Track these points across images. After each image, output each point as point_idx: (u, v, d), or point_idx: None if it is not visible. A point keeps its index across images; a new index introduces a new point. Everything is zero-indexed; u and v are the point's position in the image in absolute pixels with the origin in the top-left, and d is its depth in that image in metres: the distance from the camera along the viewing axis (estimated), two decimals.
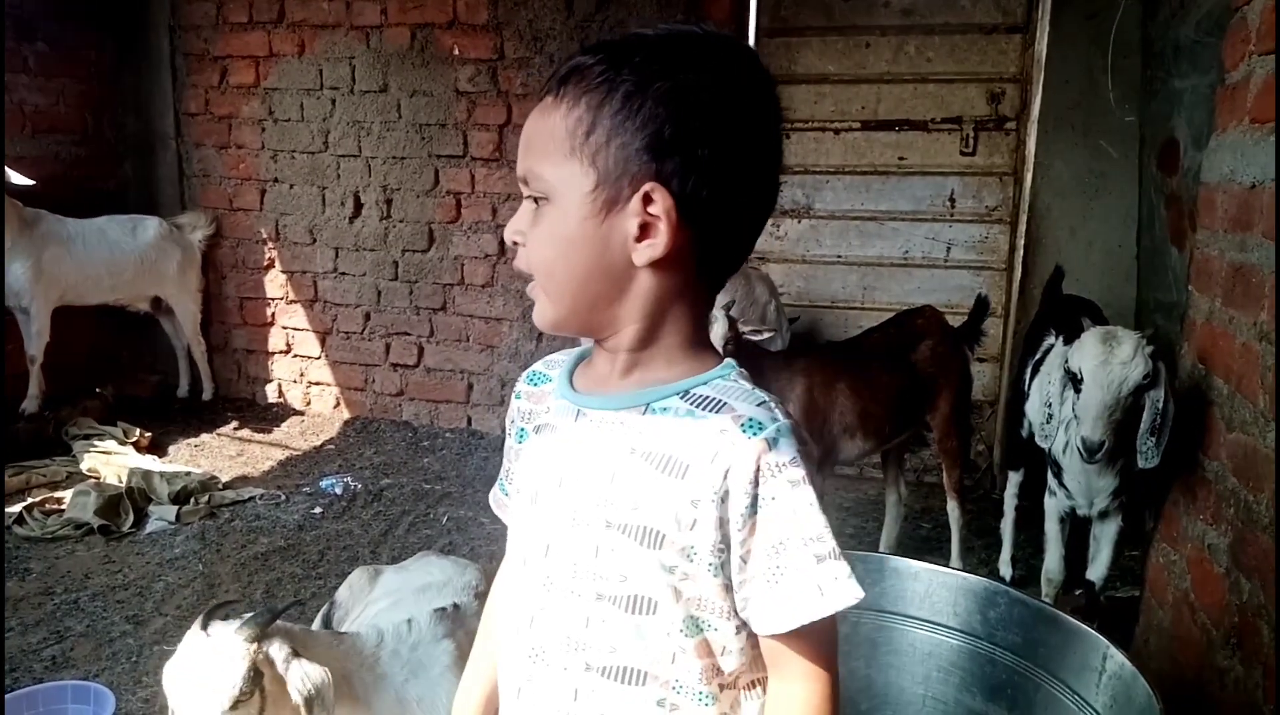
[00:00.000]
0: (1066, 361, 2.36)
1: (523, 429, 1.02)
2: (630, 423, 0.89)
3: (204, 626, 1.49)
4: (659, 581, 0.87)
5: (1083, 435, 2.28)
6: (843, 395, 2.86)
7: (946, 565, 3.11)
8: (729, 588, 0.87)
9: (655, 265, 0.85)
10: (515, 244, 0.89)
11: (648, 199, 0.82)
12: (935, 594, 1.91)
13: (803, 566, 0.84)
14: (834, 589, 0.84)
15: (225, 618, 1.52)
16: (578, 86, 0.84)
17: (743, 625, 0.89)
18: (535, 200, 0.87)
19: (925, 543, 3.57)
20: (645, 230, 0.84)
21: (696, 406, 0.87)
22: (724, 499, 0.84)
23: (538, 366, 1.03)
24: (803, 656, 0.88)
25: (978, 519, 3.58)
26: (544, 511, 0.94)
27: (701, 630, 0.89)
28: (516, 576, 0.99)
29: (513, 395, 1.05)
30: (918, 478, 4.02)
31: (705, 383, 0.89)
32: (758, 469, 0.83)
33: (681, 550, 0.86)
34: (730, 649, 0.90)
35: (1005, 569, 3.20)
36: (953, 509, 3.20)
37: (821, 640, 0.88)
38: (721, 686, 0.91)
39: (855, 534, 3.63)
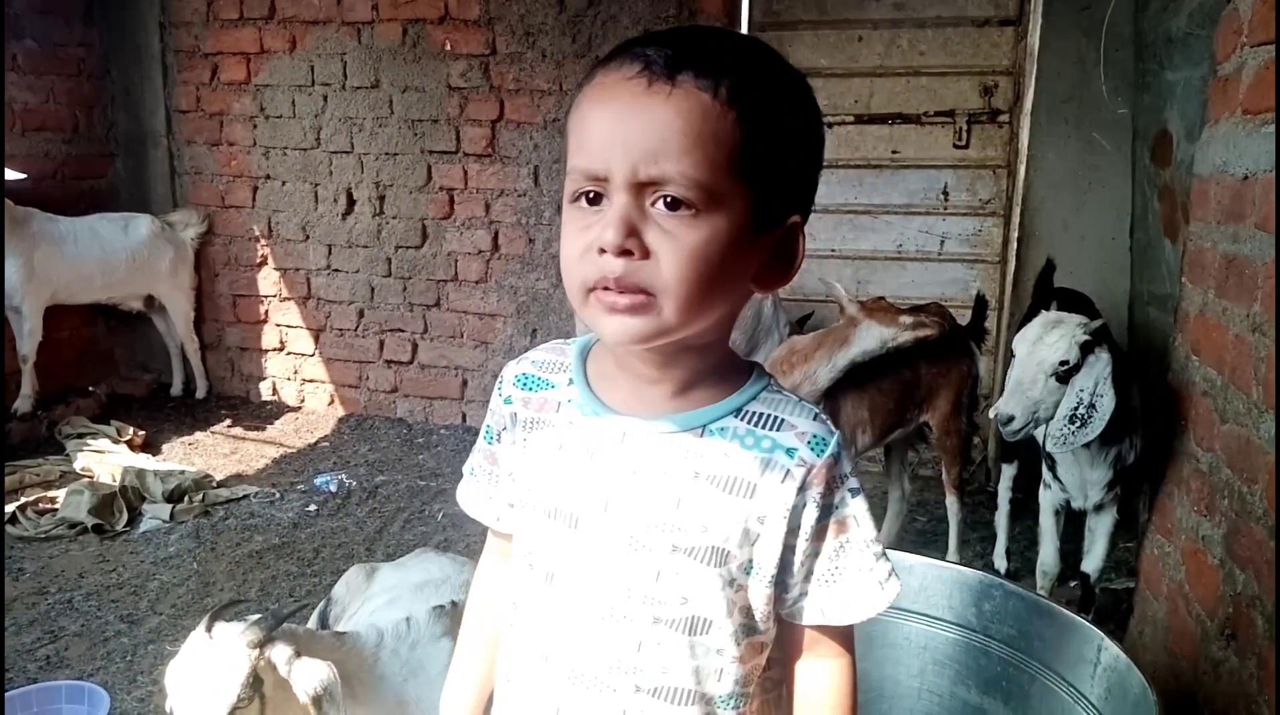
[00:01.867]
0: (1014, 340, 2.42)
1: (526, 439, 0.96)
2: (688, 445, 0.87)
3: (208, 628, 1.49)
4: (719, 598, 0.87)
5: (997, 408, 2.36)
6: (850, 390, 2.86)
7: (943, 559, 3.13)
8: (782, 589, 0.90)
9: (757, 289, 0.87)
10: (628, 255, 0.77)
11: (792, 232, 0.85)
12: (931, 587, 1.92)
13: (865, 565, 0.90)
14: (890, 584, 0.91)
15: (230, 620, 1.52)
16: (743, 91, 0.77)
17: (774, 619, 0.93)
18: (671, 204, 0.77)
19: (921, 536, 3.57)
20: (776, 259, 0.85)
21: (755, 425, 0.88)
22: (795, 512, 0.86)
23: (526, 369, 0.98)
24: (840, 641, 0.94)
25: (973, 512, 3.58)
26: (590, 536, 0.90)
27: (752, 633, 0.91)
28: (534, 592, 0.95)
29: (498, 396, 0.99)
30: (913, 472, 4.02)
31: (755, 398, 0.89)
32: (829, 480, 0.87)
33: (742, 565, 0.87)
34: (769, 645, 0.94)
35: (1000, 562, 3.20)
36: (951, 504, 3.21)
37: (852, 629, 0.95)
38: (758, 682, 0.94)
39: None
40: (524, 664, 0.96)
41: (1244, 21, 2.06)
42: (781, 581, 0.89)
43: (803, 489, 0.86)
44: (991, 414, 2.54)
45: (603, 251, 0.77)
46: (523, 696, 0.96)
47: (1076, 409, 2.27)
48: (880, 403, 2.92)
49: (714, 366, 0.89)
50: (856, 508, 0.89)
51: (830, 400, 2.84)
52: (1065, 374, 2.28)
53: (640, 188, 0.76)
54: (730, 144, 0.76)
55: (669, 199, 0.76)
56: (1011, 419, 2.33)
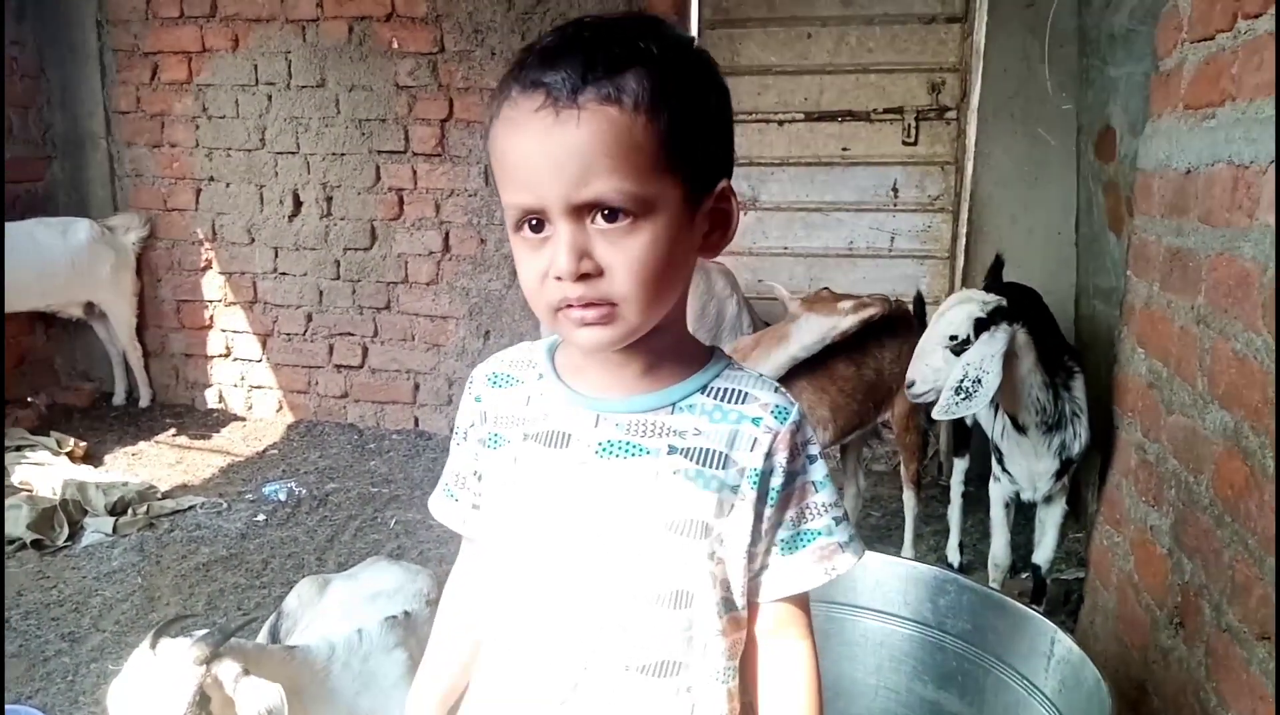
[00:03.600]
0: None
1: (497, 435, 0.97)
2: (662, 422, 0.91)
3: (152, 645, 1.44)
4: (701, 571, 0.90)
5: (907, 376, 2.50)
6: (806, 391, 2.85)
7: (899, 554, 3.15)
8: (748, 560, 0.93)
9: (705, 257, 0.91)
10: (585, 277, 0.81)
11: (723, 195, 0.87)
12: (886, 584, 1.92)
13: (823, 530, 0.94)
14: (851, 546, 0.96)
15: (176, 636, 1.47)
16: (647, 93, 0.79)
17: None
18: (609, 216, 0.79)
19: (875, 531, 3.59)
20: (714, 223, 0.88)
21: (721, 400, 0.92)
22: (764, 479, 0.90)
23: (496, 368, 1.01)
24: (803, 615, 0.98)
25: (926, 506, 3.60)
26: (569, 520, 0.92)
27: (732, 608, 0.93)
28: (516, 584, 0.96)
29: (469, 396, 1.02)
30: (866, 467, 4.04)
31: (719, 375, 0.94)
32: (793, 446, 0.91)
33: (719, 536, 0.90)
34: (744, 620, 0.95)
35: (954, 555, 3.23)
36: (909, 499, 3.23)
37: (809, 600, 0.98)
38: (734, 657, 0.95)
39: None
40: (509, 651, 0.97)
41: (1184, 18, 2.09)
42: (750, 553, 0.92)
43: (769, 455, 0.91)
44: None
45: (560, 278, 0.82)
46: (508, 685, 0.97)
47: (962, 382, 2.33)
48: (843, 403, 2.92)
49: (676, 343, 0.93)
50: (818, 473, 0.94)
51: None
52: (958, 348, 2.37)
53: (580, 210, 0.80)
54: (650, 146, 0.80)
55: (607, 212, 0.80)
56: (913, 384, 2.48)
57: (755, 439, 0.90)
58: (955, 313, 2.39)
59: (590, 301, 0.82)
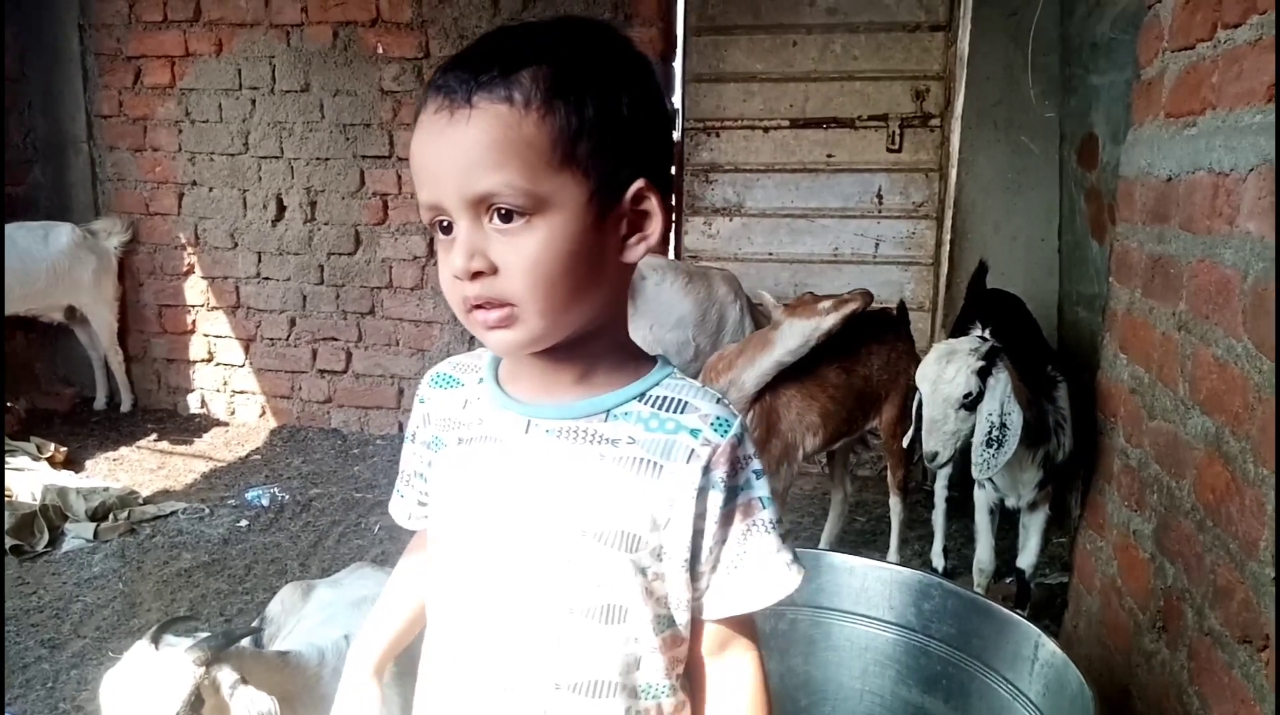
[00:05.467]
0: (915, 376, 2.48)
1: (437, 437, 0.97)
2: (594, 429, 0.88)
3: (154, 641, 1.43)
4: (632, 584, 0.87)
5: (924, 447, 2.42)
6: (796, 398, 2.86)
7: (884, 559, 3.15)
8: (692, 578, 0.90)
9: (626, 260, 0.87)
10: (478, 275, 0.81)
11: (640, 196, 0.83)
12: (871, 588, 1.92)
13: (768, 549, 0.90)
14: (793, 569, 0.91)
15: (179, 635, 1.46)
16: (541, 90, 0.79)
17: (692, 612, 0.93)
18: (505, 215, 0.80)
19: (861, 536, 3.60)
20: (634, 226, 0.85)
21: (659, 408, 0.88)
22: (701, 494, 0.86)
23: (443, 368, 1.01)
24: (746, 634, 0.94)
25: (911, 511, 3.61)
26: (499, 527, 0.90)
27: (671, 625, 0.91)
28: (446, 590, 0.95)
29: (417, 397, 1.02)
30: (852, 472, 4.05)
31: (659, 384, 0.90)
32: (734, 461, 0.87)
33: (653, 550, 0.87)
34: (687, 637, 0.93)
35: (938, 560, 3.24)
36: (895, 505, 3.24)
37: (757, 617, 0.95)
38: (679, 676, 0.93)
39: (793, 529, 3.65)
40: (438, 665, 0.96)
41: (1165, 27, 2.11)
42: (693, 571, 0.89)
43: (708, 470, 0.86)
44: (906, 439, 2.57)
45: (458, 276, 0.82)
46: (438, 700, 0.96)
47: (990, 433, 2.32)
48: (833, 409, 2.92)
49: (612, 350, 0.91)
50: (761, 490, 0.90)
51: (778, 404, 2.84)
52: (971, 403, 2.33)
53: (475, 208, 0.80)
54: (543, 143, 0.79)
55: (502, 211, 0.80)
56: (936, 455, 2.40)
57: (693, 451, 0.86)
58: (952, 372, 2.33)
59: (487, 300, 0.82)
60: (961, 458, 2.48)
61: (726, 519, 0.88)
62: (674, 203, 0.93)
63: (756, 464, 0.90)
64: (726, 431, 0.87)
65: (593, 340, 0.88)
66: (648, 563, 0.88)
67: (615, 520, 0.86)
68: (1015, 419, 2.30)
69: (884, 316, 3.21)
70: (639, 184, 0.83)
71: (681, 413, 0.88)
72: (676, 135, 4.17)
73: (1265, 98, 1.57)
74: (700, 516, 0.87)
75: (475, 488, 0.92)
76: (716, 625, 0.92)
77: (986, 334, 2.41)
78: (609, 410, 0.88)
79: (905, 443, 2.65)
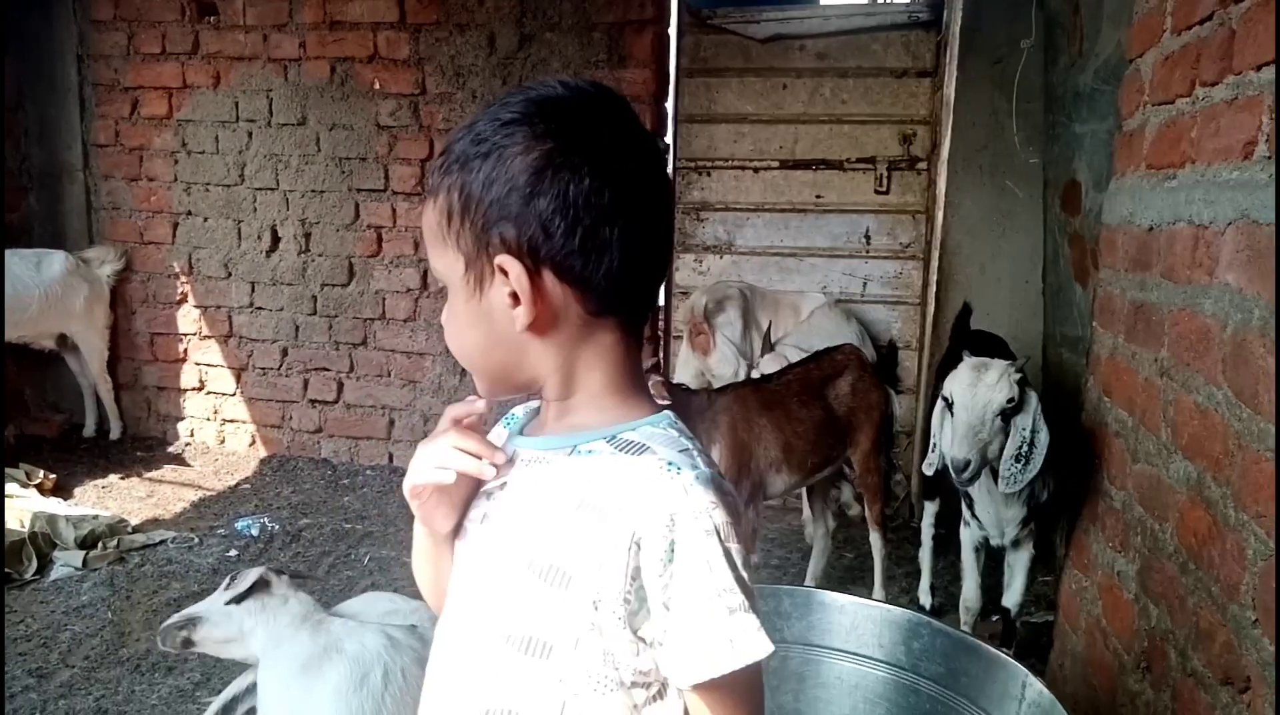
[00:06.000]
0: (944, 389, 2.47)
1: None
2: (556, 463, 0.91)
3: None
4: (559, 623, 0.86)
5: (951, 455, 2.37)
6: (766, 430, 2.91)
7: (870, 595, 3.18)
8: (646, 642, 0.86)
9: (541, 327, 0.87)
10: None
11: (504, 271, 0.85)
12: (861, 626, 1.95)
13: (715, 617, 0.82)
14: (744, 641, 0.82)
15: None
16: (436, 178, 0.89)
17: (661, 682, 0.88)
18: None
19: (849, 572, 3.63)
20: (517, 298, 0.85)
21: (620, 450, 0.88)
22: (640, 545, 0.83)
23: (516, 410, 1.05)
24: (722, 711, 0.86)
25: (898, 547, 3.65)
26: (470, 549, 0.96)
27: (619, 685, 0.87)
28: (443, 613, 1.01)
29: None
30: (838, 509, 4.09)
31: (634, 429, 0.90)
32: (674, 514, 0.83)
33: (590, 597, 0.85)
34: (645, 706, 0.88)
35: (925, 597, 3.27)
36: (875, 540, 3.27)
37: (741, 694, 0.86)
38: None
39: (780, 565, 3.67)
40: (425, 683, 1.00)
41: (1145, 81, 2.19)
42: (632, 623, 0.85)
43: (647, 517, 0.83)
44: (929, 465, 2.58)
45: None
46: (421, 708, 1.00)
47: (1021, 447, 2.34)
48: (796, 445, 2.97)
49: (595, 396, 0.91)
50: (711, 551, 0.82)
51: (750, 440, 2.89)
52: (1009, 413, 2.35)
53: None
54: (437, 226, 0.89)
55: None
56: (968, 464, 2.33)
57: (636, 497, 0.84)
58: (995, 380, 2.33)
59: None
60: (948, 491, 2.49)
61: (671, 577, 0.83)
62: (595, 279, 0.91)
63: (708, 521, 0.82)
64: (673, 479, 0.84)
65: (563, 390, 0.92)
66: (582, 608, 0.85)
67: (552, 555, 0.87)
68: (1043, 438, 2.33)
69: (843, 348, 3.29)
70: (498, 260, 0.85)
71: (639, 455, 0.87)
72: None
73: (1242, 155, 1.63)
74: (640, 571, 0.83)
75: (472, 510, 0.97)
76: (691, 696, 0.86)
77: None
78: (575, 446, 0.90)
79: (925, 462, 2.63)
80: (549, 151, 0.83)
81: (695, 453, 0.88)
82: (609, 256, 0.85)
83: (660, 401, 0.97)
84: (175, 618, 2.03)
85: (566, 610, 0.86)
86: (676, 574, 0.83)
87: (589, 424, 0.91)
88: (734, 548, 0.84)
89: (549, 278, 0.85)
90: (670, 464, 0.85)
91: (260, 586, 2.05)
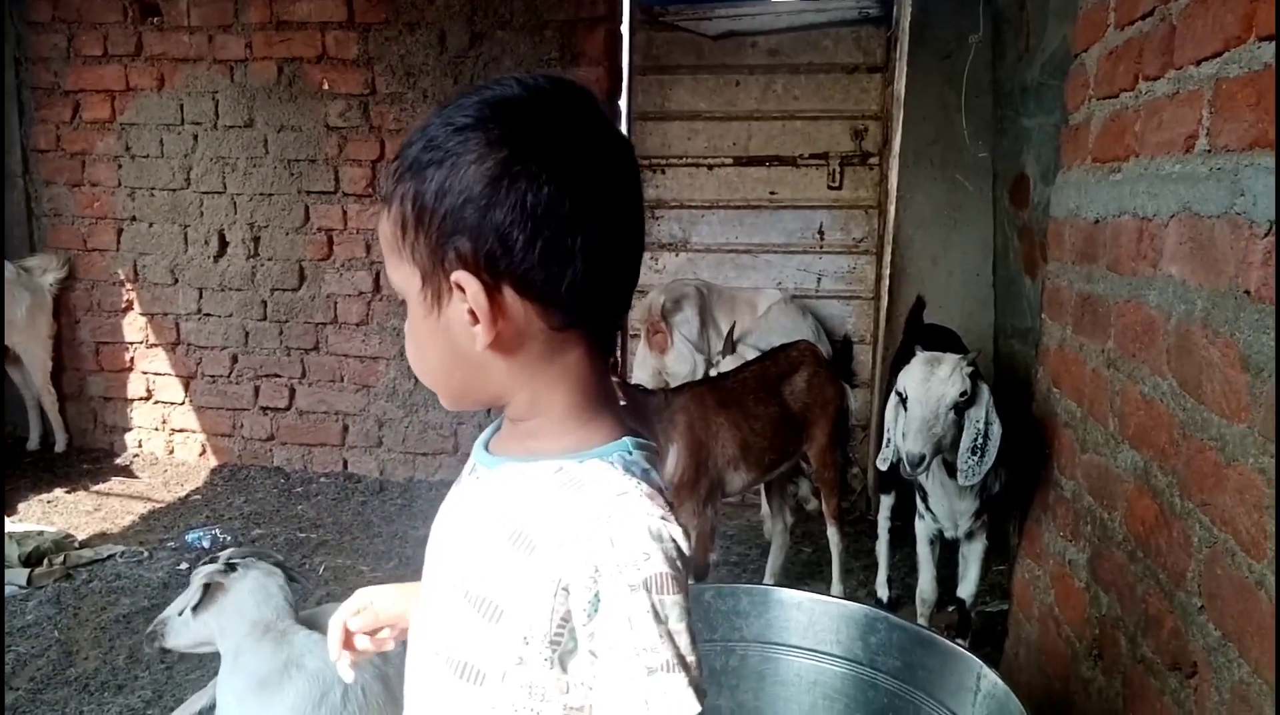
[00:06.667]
0: (898, 384, 2.49)
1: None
2: (504, 486, 0.87)
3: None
4: (488, 652, 0.84)
5: (905, 449, 2.38)
6: (723, 428, 2.91)
7: (829, 590, 3.20)
8: (579, 683, 0.83)
9: (503, 345, 0.82)
10: None
11: (461, 288, 0.80)
12: (818, 623, 1.96)
13: (632, 677, 0.78)
14: (662, 703, 0.78)
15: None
16: (390, 184, 0.85)
17: None
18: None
19: (807, 567, 3.64)
20: (475, 315, 0.81)
21: (564, 486, 0.83)
22: (568, 591, 0.80)
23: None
24: None
25: (856, 541, 3.68)
26: (429, 570, 0.94)
27: None
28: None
29: None
30: (796, 504, 4.10)
31: (581, 461, 0.84)
32: (599, 565, 0.78)
33: (520, 633, 0.82)
34: None
35: (882, 590, 3.29)
36: (833, 535, 3.28)
37: None
38: None
39: (740, 561, 3.68)
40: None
41: (1090, 75, 2.21)
42: (559, 671, 0.82)
43: (572, 564, 0.79)
44: (883, 460, 2.59)
45: None
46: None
47: (975, 440, 2.37)
48: (754, 442, 2.97)
49: (554, 418, 0.87)
50: (634, 606, 0.78)
51: (708, 439, 2.88)
52: (962, 406, 2.38)
53: None
54: (392, 237, 0.84)
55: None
56: (923, 457, 2.35)
57: (564, 540, 0.80)
58: (947, 374, 2.36)
59: None
60: (904, 480, 2.50)
61: (596, 628, 0.79)
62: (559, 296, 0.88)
63: (633, 575, 0.78)
64: (601, 528, 0.79)
65: (529, 408, 0.87)
66: (512, 643, 0.82)
67: (480, 584, 0.84)
68: (996, 430, 2.36)
69: (798, 344, 3.30)
70: (454, 276, 0.80)
71: (577, 492, 0.82)
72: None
73: (1183, 148, 1.65)
74: (569, 616, 0.80)
75: (434, 522, 0.95)
76: None
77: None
78: (524, 471, 0.86)
79: (880, 457, 2.64)
80: (504, 159, 0.78)
81: (637, 495, 0.81)
82: (573, 268, 0.80)
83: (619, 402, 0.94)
84: (150, 627, 2.09)
85: (497, 643, 0.83)
86: (599, 629, 0.79)
87: (544, 450, 0.86)
88: (668, 600, 0.79)
89: (509, 294, 0.80)
90: (603, 509, 0.80)
91: (215, 589, 2.02)
